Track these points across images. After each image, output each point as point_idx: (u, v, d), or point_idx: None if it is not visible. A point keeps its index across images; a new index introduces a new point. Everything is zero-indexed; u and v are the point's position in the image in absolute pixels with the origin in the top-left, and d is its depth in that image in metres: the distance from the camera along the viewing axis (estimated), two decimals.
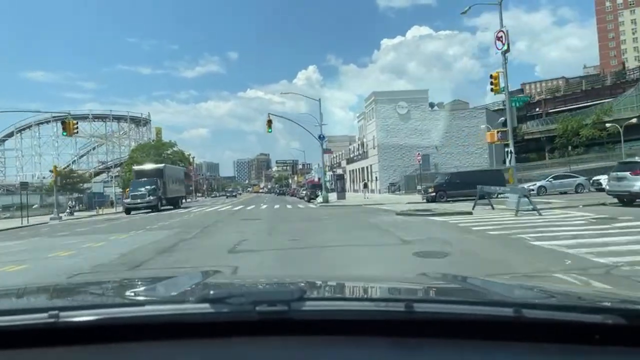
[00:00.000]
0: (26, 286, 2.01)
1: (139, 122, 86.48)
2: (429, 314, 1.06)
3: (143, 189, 32.52)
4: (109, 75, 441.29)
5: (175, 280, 1.86)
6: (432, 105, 52.84)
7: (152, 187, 32.75)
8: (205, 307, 1.06)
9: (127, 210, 32.43)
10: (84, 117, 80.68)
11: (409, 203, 27.18)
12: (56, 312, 1.03)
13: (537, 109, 75.03)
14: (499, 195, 19.69)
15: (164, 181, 35.49)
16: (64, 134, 28.88)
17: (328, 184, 66.41)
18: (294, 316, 1.03)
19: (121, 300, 1.46)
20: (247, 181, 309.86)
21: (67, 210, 37.25)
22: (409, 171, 48.89)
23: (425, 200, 27.59)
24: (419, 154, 38.10)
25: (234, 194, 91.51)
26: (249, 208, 31.91)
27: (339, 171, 64.40)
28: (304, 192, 49.86)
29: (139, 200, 32.06)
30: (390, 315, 1.06)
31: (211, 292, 1.28)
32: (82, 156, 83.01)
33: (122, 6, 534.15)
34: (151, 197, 32.15)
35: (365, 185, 43.14)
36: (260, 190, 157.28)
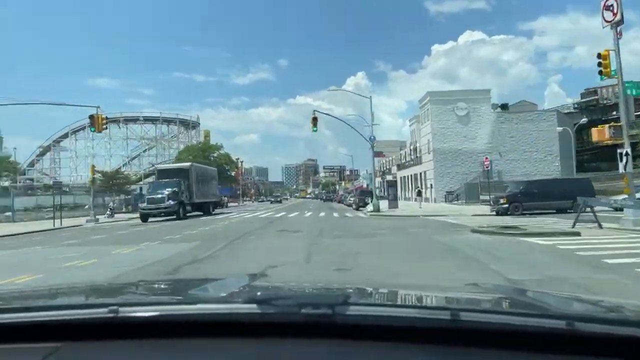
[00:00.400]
0: (87, 284, 2.66)
1: (188, 125, 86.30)
2: (475, 324, 1.04)
3: (164, 192, 27.48)
4: (165, 82, 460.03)
5: (225, 281, 1.93)
6: (495, 106, 47.92)
7: (174, 189, 27.78)
8: (253, 308, 1.11)
9: (143, 217, 27.23)
10: (134, 119, 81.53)
11: (475, 215, 23.12)
12: (115, 307, 1.11)
13: (615, 113, 67.48)
14: (587, 209, 15.00)
15: (189, 183, 30.14)
16: (92, 130, 27.12)
17: (377, 191, 62.85)
18: (338, 320, 1.05)
19: (174, 298, 1.56)
20: (294, 186, 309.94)
21: (108, 212, 35.87)
22: (469, 178, 44.35)
23: (495, 213, 23.42)
24: (487, 158, 33.60)
25: (278, 199, 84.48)
26: (291, 215, 28.95)
27: (389, 177, 60.35)
28: (352, 199, 46.46)
29: (154, 206, 27.12)
30: (435, 323, 1.05)
31: (259, 293, 1.42)
32: (133, 158, 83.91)
33: (179, 16, 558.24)
34: (171, 202, 27.17)
35: (419, 193, 39.07)
36: (307, 196, 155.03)
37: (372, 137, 30.25)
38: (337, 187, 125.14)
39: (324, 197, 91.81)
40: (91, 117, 26.05)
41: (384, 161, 79.79)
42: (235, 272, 7.63)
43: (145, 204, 27.68)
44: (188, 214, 29.57)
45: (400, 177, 63.48)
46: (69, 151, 79.34)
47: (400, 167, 65.09)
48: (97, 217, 30.48)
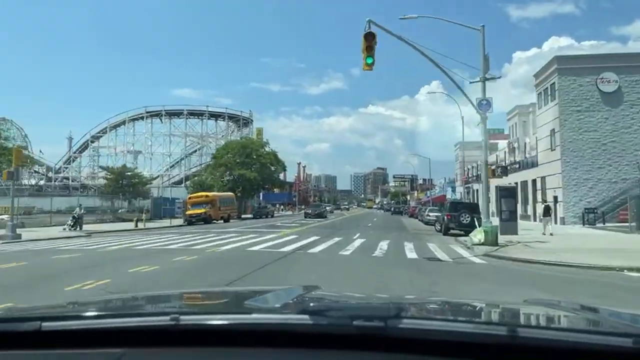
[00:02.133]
0: (150, 293, 2.89)
1: (238, 120, 75.80)
2: (534, 340, 1.00)
3: None
4: (243, 92, 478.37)
5: (280, 292, 1.92)
6: None
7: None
8: (305, 319, 1.14)
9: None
10: (178, 113, 72.37)
11: None
12: (177, 315, 1.15)
13: None
14: None
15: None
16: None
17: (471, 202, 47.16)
18: (390, 333, 1.04)
19: (231, 307, 1.61)
20: (362, 195, 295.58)
21: (69, 222, 24.40)
22: (615, 188, 28.34)
23: None
24: None
25: (319, 211, 46.34)
26: (320, 248, 14.98)
27: (505, 182, 44.24)
28: (433, 214, 31.78)
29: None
30: (491, 338, 1.02)
31: (311, 304, 1.47)
32: (182, 159, 74.74)
33: (259, 30, 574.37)
34: None
35: (548, 210, 23.37)
36: (374, 206, 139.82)
37: (483, 102, 15.80)
38: (409, 197, 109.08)
39: (393, 209, 75.99)
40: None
41: (469, 167, 63.74)
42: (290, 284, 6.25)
43: None
44: None
45: (495, 187, 47.38)
46: (106, 148, 71.68)
47: (496, 173, 48.96)
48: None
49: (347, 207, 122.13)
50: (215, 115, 74.76)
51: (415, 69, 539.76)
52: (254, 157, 49.87)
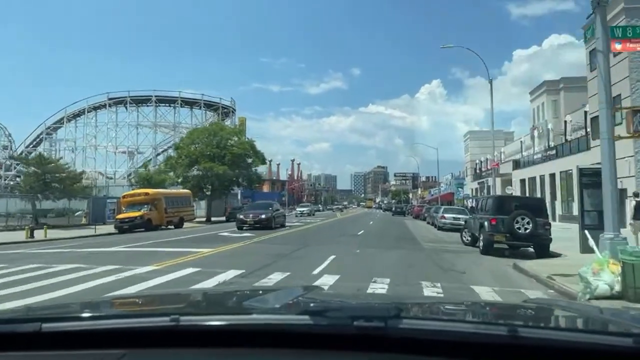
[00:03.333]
0: (150, 294, 2.90)
1: (217, 109, 66.38)
2: (534, 340, 0.99)
3: None
4: (244, 92, 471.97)
5: (280, 293, 1.88)
6: None
7: None
8: (305, 319, 1.13)
9: None
10: (145, 100, 63.00)
11: None
12: (177, 316, 1.13)
13: None
14: None
15: None
16: None
17: (470, 202, 37.84)
18: (391, 333, 1.03)
19: (231, 308, 1.58)
20: (362, 195, 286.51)
21: None
22: None
23: None
24: None
25: (258, 216, 24.61)
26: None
27: (527, 175, 35.10)
28: (452, 216, 22.60)
29: None
30: (491, 338, 1.01)
31: (311, 305, 1.43)
32: (158, 154, 65.34)
33: (260, 30, 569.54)
34: None
35: None
36: (374, 206, 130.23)
37: None
38: (411, 195, 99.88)
39: (394, 209, 64.33)
40: None
41: (481, 159, 54.61)
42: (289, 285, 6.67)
43: None
44: None
45: (521, 180, 38.31)
46: (64, 141, 62.35)
47: (520, 164, 39.76)
48: None
49: (340, 207, 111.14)
50: (189, 103, 65.29)
51: (415, 69, 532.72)
52: (225, 147, 40.47)
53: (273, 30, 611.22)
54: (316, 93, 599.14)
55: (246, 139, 43.73)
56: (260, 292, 2.03)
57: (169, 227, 29.42)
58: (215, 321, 1.18)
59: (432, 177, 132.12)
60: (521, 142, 42.14)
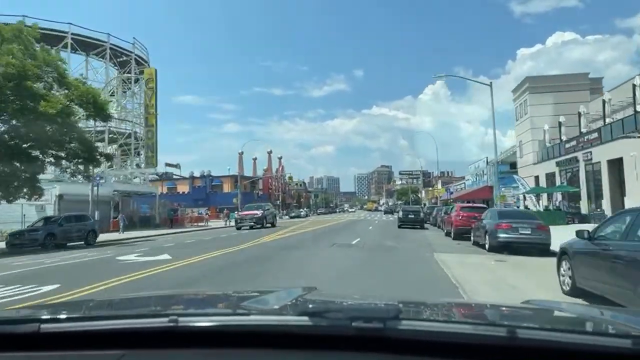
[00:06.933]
0: (149, 293, 2.68)
1: (104, 54, 45.36)
2: (533, 341, 1.00)
3: None
4: (246, 97, 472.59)
5: (279, 294, 1.89)
6: None
7: None
8: (304, 320, 1.13)
9: None
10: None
11: None
12: (175, 317, 1.15)
13: None
14: None
15: None
16: None
17: (532, 204, 32.35)
18: (390, 334, 1.04)
19: (230, 309, 1.60)
20: (366, 197, 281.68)
21: None
22: None
23: None
24: None
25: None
26: None
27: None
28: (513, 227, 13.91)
29: None
30: (490, 340, 1.02)
31: (310, 306, 1.42)
32: None
33: (261, 34, 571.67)
34: None
35: None
36: (380, 208, 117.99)
37: None
38: (423, 194, 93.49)
39: (402, 214, 32.28)
40: None
41: (560, 120, 33.09)
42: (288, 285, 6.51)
43: None
44: None
45: (610, 161, 28.51)
46: None
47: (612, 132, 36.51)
48: None
49: (344, 210, 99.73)
50: (76, 44, 42.45)
51: (416, 68, 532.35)
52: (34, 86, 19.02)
53: (276, 34, 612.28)
54: (319, 96, 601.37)
55: (79, 78, 23.82)
56: (259, 292, 1.92)
57: None
58: (214, 322, 1.19)
59: (447, 171, 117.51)
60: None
